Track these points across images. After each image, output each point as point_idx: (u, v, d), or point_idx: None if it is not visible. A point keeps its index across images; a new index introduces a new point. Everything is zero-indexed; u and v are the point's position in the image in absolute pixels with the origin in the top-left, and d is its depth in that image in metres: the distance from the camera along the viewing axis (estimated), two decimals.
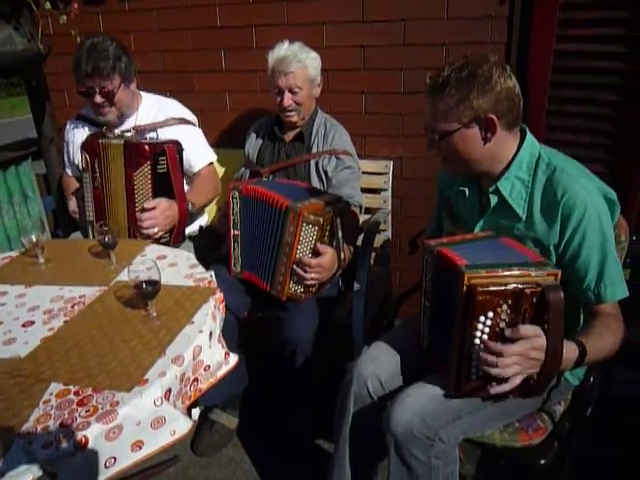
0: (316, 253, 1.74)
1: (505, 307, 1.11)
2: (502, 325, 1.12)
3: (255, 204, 1.81)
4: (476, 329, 1.13)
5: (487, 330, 1.13)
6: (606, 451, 1.83)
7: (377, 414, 1.39)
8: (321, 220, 1.70)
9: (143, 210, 1.91)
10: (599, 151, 1.95)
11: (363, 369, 1.44)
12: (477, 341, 1.14)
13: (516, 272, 1.11)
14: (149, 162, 1.89)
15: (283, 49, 1.98)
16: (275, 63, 1.98)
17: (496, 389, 1.15)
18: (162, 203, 1.92)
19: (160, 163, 1.91)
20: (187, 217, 2.04)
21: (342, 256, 1.82)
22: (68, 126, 2.30)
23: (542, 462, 1.32)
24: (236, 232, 1.89)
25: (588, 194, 1.23)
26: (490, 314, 1.11)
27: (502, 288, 1.09)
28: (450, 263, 1.18)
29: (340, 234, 1.80)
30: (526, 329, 1.10)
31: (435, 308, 1.34)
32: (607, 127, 1.94)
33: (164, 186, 1.95)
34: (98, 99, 1.98)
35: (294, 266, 1.74)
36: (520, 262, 1.15)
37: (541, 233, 1.29)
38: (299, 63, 1.96)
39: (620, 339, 1.24)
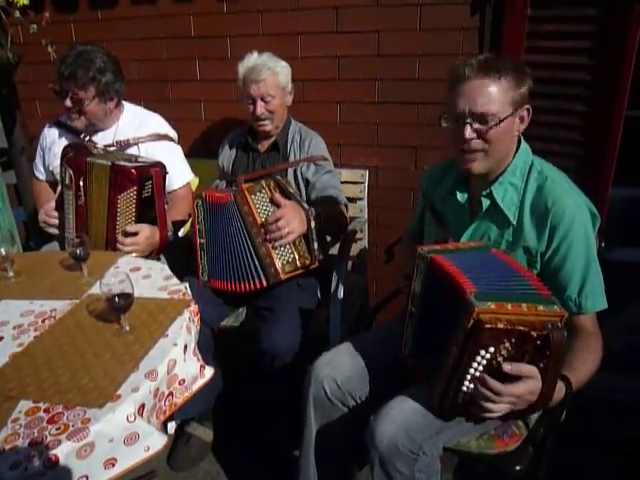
0: (277, 206, 1.75)
1: (508, 345, 1.08)
2: (499, 359, 1.11)
3: (215, 208, 1.83)
4: (474, 360, 1.12)
5: (484, 362, 1.11)
6: (584, 457, 1.86)
7: (342, 419, 1.42)
8: (263, 183, 1.76)
9: (125, 234, 1.89)
10: (568, 160, 1.99)
11: (320, 371, 1.46)
12: (472, 371, 1.13)
13: (524, 309, 1.07)
14: (135, 187, 1.85)
15: (252, 59, 2.00)
16: (246, 73, 1.99)
17: (479, 416, 1.17)
18: (145, 230, 1.91)
19: (146, 188, 1.88)
20: (166, 242, 2.02)
21: (306, 206, 1.79)
22: (46, 131, 2.26)
23: (517, 468, 1.34)
24: (202, 240, 1.88)
25: (577, 206, 1.26)
26: (492, 349, 1.09)
27: (510, 327, 1.05)
28: (454, 282, 1.14)
29: (292, 190, 1.81)
30: (527, 369, 1.09)
31: (422, 316, 1.33)
32: (575, 136, 1.98)
33: (147, 210, 1.92)
34: (68, 103, 1.98)
35: (266, 236, 1.74)
36: (529, 295, 1.11)
37: (529, 240, 1.31)
38: (269, 71, 1.97)
39: (600, 359, 1.25)
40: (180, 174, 2.19)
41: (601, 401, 2.04)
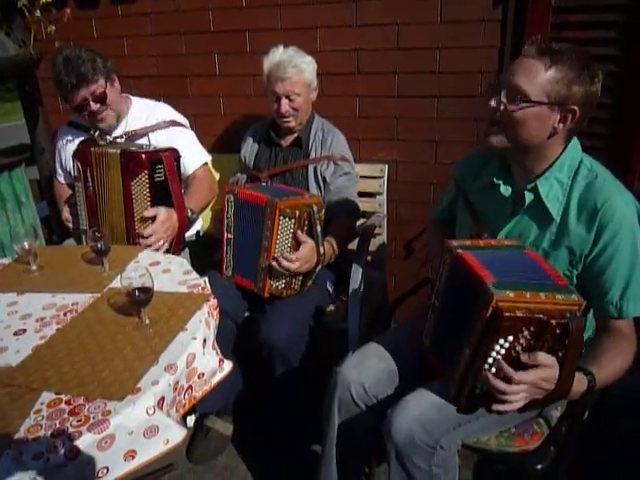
0: (294, 246, 1.75)
1: (526, 333, 1.07)
2: (519, 349, 1.09)
3: (247, 207, 1.83)
4: (492, 350, 1.10)
5: (503, 352, 1.10)
6: (604, 457, 1.82)
7: (365, 420, 1.39)
8: (297, 213, 1.72)
9: (143, 219, 1.90)
10: (595, 154, 1.94)
11: (347, 375, 1.43)
12: (490, 360, 1.12)
13: (543, 297, 1.07)
14: (146, 171, 1.87)
15: (278, 54, 1.97)
16: (271, 68, 1.97)
17: (497, 408, 1.14)
18: (161, 213, 1.91)
19: (157, 171, 1.89)
20: (187, 224, 2.03)
21: (322, 250, 1.80)
22: (60, 133, 2.29)
23: (538, 467, 1.32)
24: (229, 235, 1.89)
25: (627, 207, 1.21)
26: (510, 338, 1.08)
27: (529, 315, 1.05)
28: (474, 274, 1.14)
29: (319, 229, 1.79)
30: (544, 358, 1.07)
31: (445, 310, 1.32)
32: (602, 130, 1.94)
33: (162, 194, 1.93)
34: (93, 107, 1.99)
35: (273, 262, 1.75)
36: (546, 285, 1.10)
37: (574, 239, 1.25)
38: (295, 68, 1.95)
39: (629, 362, 1.21)
40: (196, 157, 2.19)
41: (623, 403, 1.99)
